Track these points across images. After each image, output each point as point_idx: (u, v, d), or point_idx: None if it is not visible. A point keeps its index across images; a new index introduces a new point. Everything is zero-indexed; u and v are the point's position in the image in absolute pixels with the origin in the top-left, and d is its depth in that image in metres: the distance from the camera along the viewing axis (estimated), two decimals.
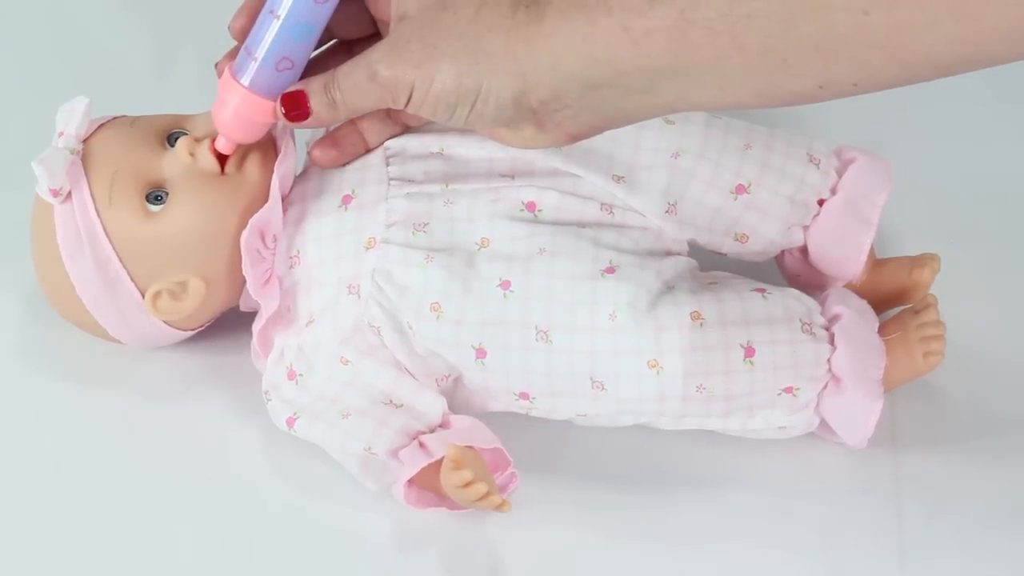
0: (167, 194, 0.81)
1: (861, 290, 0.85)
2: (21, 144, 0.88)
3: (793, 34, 0.64)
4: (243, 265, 0.80)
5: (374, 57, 0.74)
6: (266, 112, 0.78)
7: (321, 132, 0.85)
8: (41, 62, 1.07)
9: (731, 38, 0.65)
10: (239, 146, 0.81)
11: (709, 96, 0.68)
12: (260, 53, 0.77)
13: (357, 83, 0.75)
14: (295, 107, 0.77)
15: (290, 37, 0.76)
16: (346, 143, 0.82)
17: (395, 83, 0.73)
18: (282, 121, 0.78)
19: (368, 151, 0.83)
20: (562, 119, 0.72)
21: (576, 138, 0.73)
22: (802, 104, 0.68)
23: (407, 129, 0.83)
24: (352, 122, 0.82)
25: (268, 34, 0.76)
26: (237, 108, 0.78)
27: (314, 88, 0.76)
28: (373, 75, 0.74)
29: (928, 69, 0.64)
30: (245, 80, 0.77)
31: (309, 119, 0.77)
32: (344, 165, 0.83)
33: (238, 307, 0.86)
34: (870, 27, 0.62)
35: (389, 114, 0.81)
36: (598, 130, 0.73)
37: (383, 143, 0.83)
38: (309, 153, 0.83)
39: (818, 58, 0.64)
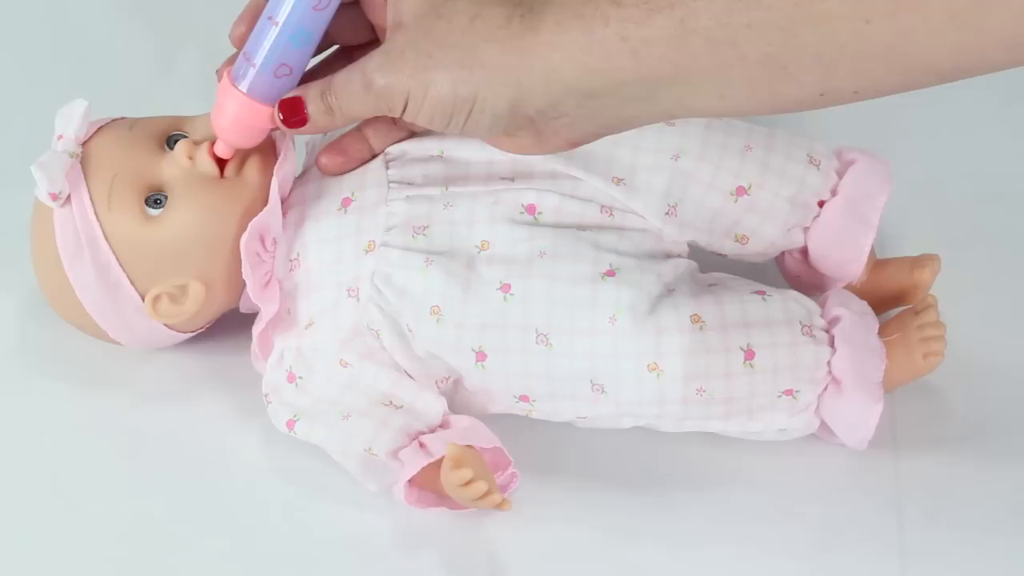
0: (166, 197, 0.81)
1: (861, 291, 0.85)
2: (21, 145, 0.88)
3: (794, 42, 0.64)
4: (243, 268, 0.80)
5: (370, 66, 0.74)
6: (264, 118, 0.78)
7: (320, 136, 0.85)
8: (41, 62, 1.07)
9: (731, 47, 0.65)
10: (238, 150, 0.81)
11: (709, 104, 0.68)
12: (259, 59, 0.76)
13: (353, 91, 0.75)
14: (293, 113, 0.77)
15: (289, 43, 0.76)
16: (352, 150, 0.82)
17: (390, 92, 0.73)
18: (280, 127, 0.78)
19: (374, 157, 0.83)
20: (560, 127, 0.72)
21: (575, 144, 0.73)
22: (803, 111, 0.68)
23: (412, 134, 0.83)
24: (358, 128, 0.82)
25: (267, 40, 0.76)
26: (235, 114, 0.78)
27: (311, 95, 0.76)
28: (369, 84, 0.74)
29: (930, 77, 0.64)
30: (244, 86, 0.77)
31: (307, 126, 0.77)
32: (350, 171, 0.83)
33: (238, 308, 0.86)
34: (871, 35, 0.62)
35: (394, 120, 0.81)
36: (597, 136, 0.73)
37: (388, 146, 0.83)
38: (316, 160, 0.83)
39: (819, 66, 0.64)
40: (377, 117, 0.78)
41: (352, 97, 0.75)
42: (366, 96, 0.74)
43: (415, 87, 0.72)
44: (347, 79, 0.75)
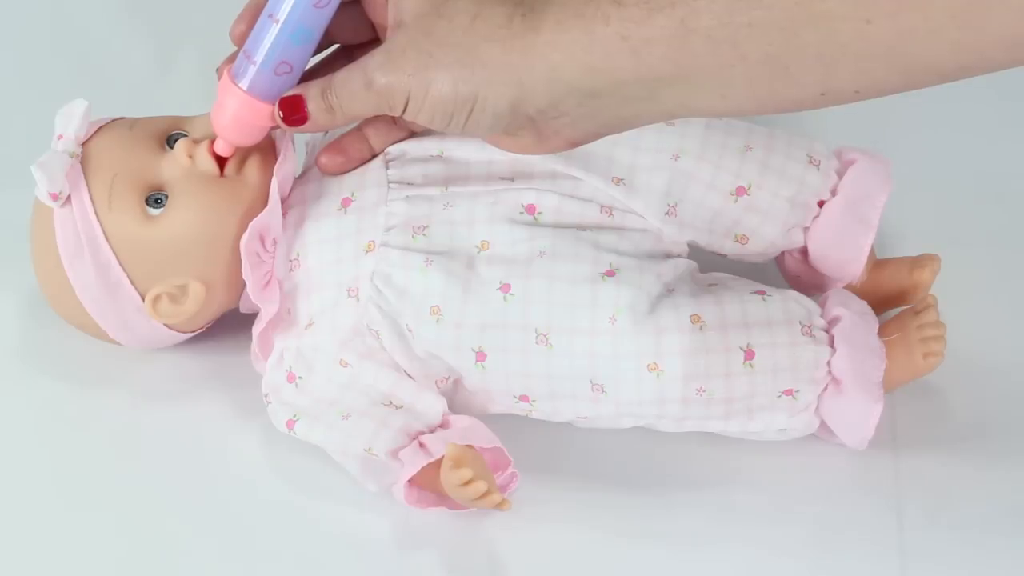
0: (167, 197, 0.81)
1: (861, 291, 0.85)
2: (21, 145, 0.88)
3: (794, 42, 0.64)
4: (243, 269, 0.80)
5: (370, 64, 0.74)
6: (264, 116, 0.78)
7: (320, 136, 0.86)
8: (41, 62, 1.07)
9: (732, 46, 0.65)
10: (238, 149, 0.81)
11: (710, 104, 0.68)
12: (259, 57, 0.76)
13: (354, 90, 0.75)
14: (293, 111, 0.77)
15: (289, 41, 0.76)
16: (352, 149, 0.82)
17: (391, 91, 0.73)
18: (280, 125, 0.78)
19: (374, 156, 0.83)
20: (560, 126, 0.72)
21: (576, 144, 0.73)
22: (804, 111, 0.68)
23: (412, 134, 0.83)
24: (358, 128, 0.82)
25: (267, 38, 0.76)
26: (235, 111, 0.78)
27: (312, 93, 0.76)
28: (369, 82, 0.74)
29: (930, 76, 0.64)
30: (244, 83, 0.77)
31: (307, 124, 0.77)
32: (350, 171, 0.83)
33: (238, 308, 0.86)
34: (872, 35, 0.62)
35: (395, 120, 0.81)
36: (598, 136, 0.73)
37: (388, 146, 0.83)
38: (316, 160, 0.83)
39: (820, 66, 0.64)
40: (377, 117, 0.78)
41: (353, 96, 0.75)
42: (367, 95, 0.74)
43: (416, 86, 0.72)
44: (348, 78, 0.75)
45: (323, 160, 0.82)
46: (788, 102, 0.67)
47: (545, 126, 0.72)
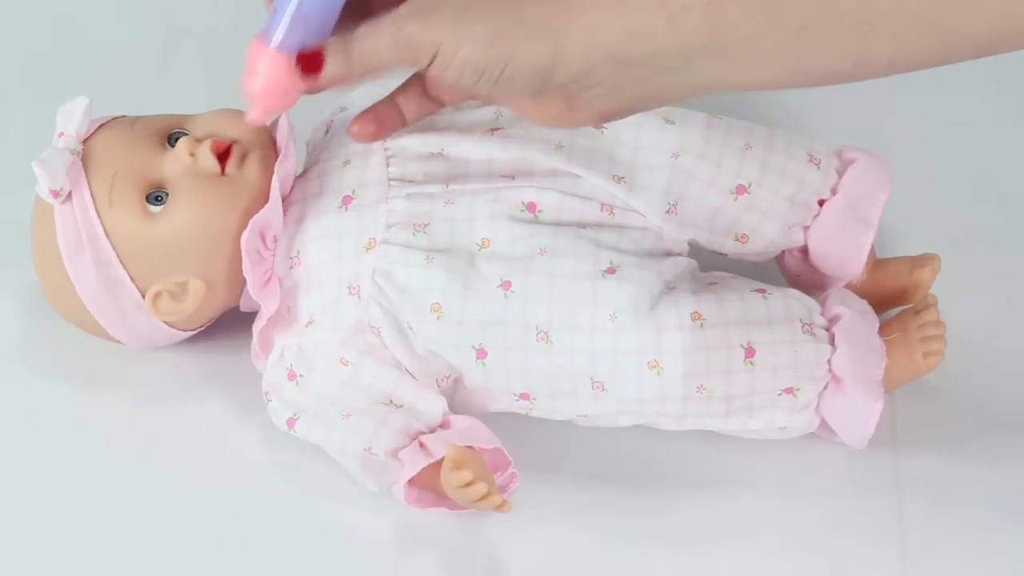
0: (167, 194, 0.81)
1: (862, 290, 0.85)
2: (21, 144, 0.88)
3: (832, 10, 0.63)
4: (243, 266, 0.80)
5: (402, 12, 0.70)
6: (295, 74, 0.72)
7: (321, 134, 0.85)
8: (41, 62, 1.07)
9: (768, 14, 0.64)
10: (240, 145, 0.80)
11: (744, 75, 0.67)
12: (286, 15, 0.71)
13: (380, 39, 0.70)
14: (310, 63, 0.72)
15: None
16: (385, 117, 0.78)
17: (419, 43, 0.69)
18: (298, 79, 0.72)
19: (405, 127, 0.79)
20: (593, 97, 0.70)
21: (606, 118, 0.71)
22: (836, 84, 0.67)
23: (443, 107, 0.79)
24: (390, 98, 0.78)
25: None
26: (268, 73, 0.73)
27: (334, 43, 0.72)
28: (398, 31, 0.69)
29: (967, 48, 0.64)
30: (274, 42, 0.72)
31: (321, 74, 0.72)
32: (383, 139, 0.80)
33: (239, 307, 0.86)
34: (910, 4, 0.62)
35: (426, 91, 0.78)
36: (630, 110, 0.71)
37: (420, 119, 0.79)
38: (347, 129, 0.78)
39: (856, 35, 0.64)
40: (408, 85, 0.75)
41: (377, 45, 0.70)
42: (393, 44, 0.70)
43: (448, 40, 0.69)
44: (374, 27, 0.70)
45: (355, 129, 0.78)
46: (822, 72, 0.66)
47: (576, 96, 0.70)
